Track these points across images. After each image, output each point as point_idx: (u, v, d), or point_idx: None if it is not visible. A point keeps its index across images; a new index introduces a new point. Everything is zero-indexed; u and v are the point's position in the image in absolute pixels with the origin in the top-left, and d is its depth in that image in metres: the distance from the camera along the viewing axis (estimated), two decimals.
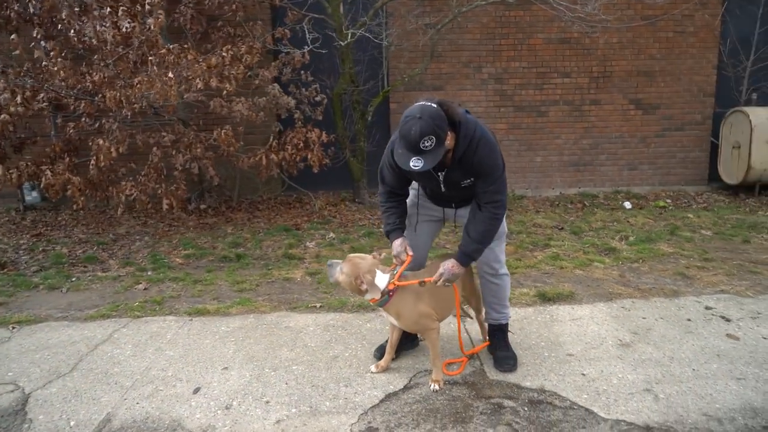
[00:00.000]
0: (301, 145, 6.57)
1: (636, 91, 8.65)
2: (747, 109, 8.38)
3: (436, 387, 2.67)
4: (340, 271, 2.65)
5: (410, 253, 2.75)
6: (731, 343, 3.11)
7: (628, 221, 6.49)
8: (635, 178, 8.84)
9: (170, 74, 4.72)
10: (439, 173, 2.66)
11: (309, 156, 6.54)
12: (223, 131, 5.77)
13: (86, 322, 3.68)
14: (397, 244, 2.78)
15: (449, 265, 2.65)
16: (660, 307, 3.69)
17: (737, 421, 2.36)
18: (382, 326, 3.47)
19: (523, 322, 3.48)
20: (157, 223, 6.83)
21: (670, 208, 7.55)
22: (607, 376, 2.76)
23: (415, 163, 2.38)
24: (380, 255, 2.78)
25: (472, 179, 2.61)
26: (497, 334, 2.93)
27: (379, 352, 2.99)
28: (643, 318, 3.51)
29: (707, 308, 3.66)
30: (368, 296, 2.66)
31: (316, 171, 6.73)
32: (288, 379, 2.81)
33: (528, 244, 5.41)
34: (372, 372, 2.85)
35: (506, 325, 2.97)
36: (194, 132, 6.14)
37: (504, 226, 2.81)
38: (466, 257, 2.67)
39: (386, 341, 3.07)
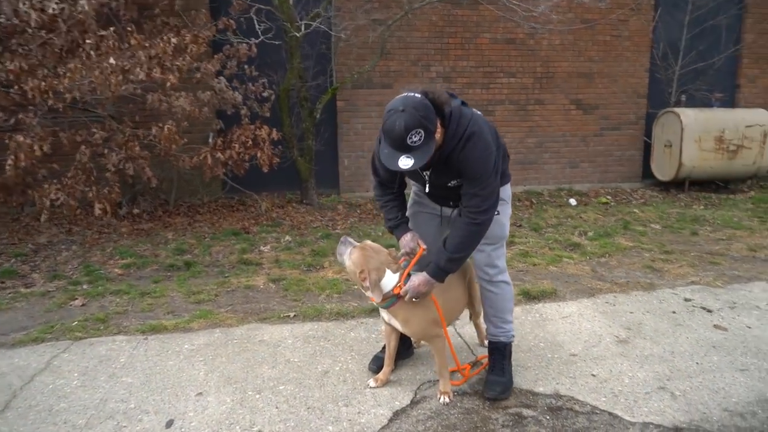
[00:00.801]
0: (250, 143, 6.13)
1: (576, 91, 8.88)
2: (678, 109, 8.85)
3: (446, 399, 2.43)
4: (349, 255, 2.35)
5: (423, 246, 2.48)
6: (721, 334, 3.11)
7: (580, 217, 6.57)
8: (576, 176, 9.07)
9: (111, 60, 4.16)
10: (425, 171, 2.42)
11: (258, 155, 6.11)
12: (165, 127, 5.22)
13: (15, 348, 3.11)
14: (407, 239, 2.51)
15: (416, 282, 2.34)
16: (642, 301, 3.66)
17: (759, 414, 2.30)
18: (368, 334, 3.18)
19: (515, 322, 3.30)
20: (84, 230, 6.12)
21: (612, 204, 7.78)
22: (618, 375, 2.64)
23: (404, 162, 2.12)
24: (398, 257, 2.48)
25: (458, 180, 2.36)
26: (495, 354, 2.59)
27: (375, 364, 2.70)
28: (631, 313, 3.46)
29: (686, 300, 3.67)
30: (368, 294, 2.37)
31: (266, 171, 6.30)
32: (277, 401, 2.46)
33: None
34: (371, 387, 2.56)
35: (507, 345, 2.60)
36: (130, 129, 5.53)
37: (505, 229, 2.59)
38: (437, 270, 2.33)
39: (380, 351, 2.79)
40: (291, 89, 7.22)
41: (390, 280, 2.36)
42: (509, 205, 2.61)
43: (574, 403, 2.40)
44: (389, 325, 2.54)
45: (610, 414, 2.31)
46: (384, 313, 2.44)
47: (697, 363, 2.76)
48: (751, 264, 4.55)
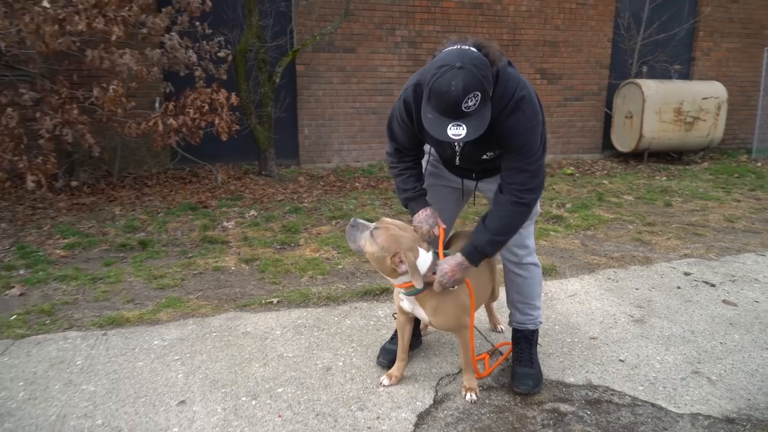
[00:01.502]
0: (206, 108, 5.55)
1: (542, 60, 8.71)
2: (639, 81, 8.86)
3: (473, 397, 2.15)
4: (371, 239, 1.95)
5: (442, 225, 2.15)
6: (733, 310, 2.99)
7: (552, 188, 6.44)
8: None
9: (45, 3, 3.49)
10: (457, 143, 2.08)
11: (216, 121, 5.54)
12: (111, 88, 4.58)
13: None
14: (424, 216, 2.16)
15: (448, 268, 2.02)
16: (643, 276, 3.52)
17: None
18: (365, 321, 2.85)
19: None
20: (14, 205, 5.40)
21: (578, 175, 7.73)
22: (646, 360, 2.44)
23: (456, 132, 1.77)
24: (424, 231, 2.13)
25: (496, 152, 2.04)
26: (521, 343, 2.36)
27: (386, 358, 2.38)
28: (636, 289, 3.29)
29: (686, 274, 3.56)
30: (400, 281, 2.01)
31: (224, 139, 5.76)
32: (279, 408, 2.09)
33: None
34: (384, 385, 2.24)
35: (534, 332, 2.37)
36: (67, 89, 4.83)
37: (538, 204, 2.28)
38: (476, 253, 2.04)
39: (389, 342, 2.47)
40: (249, 50, 6.61)
41: (424, 260, 2.02)
42: None
43: (612, 394, 2.18)
44: (405, 314, 2.21)
45: (653, 405, 2.10)
46: (405, 301, 2.10)
47: (720, 343, 2.61)
48: (733, 235, 4.52)
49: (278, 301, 3.09)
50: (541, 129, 1.97)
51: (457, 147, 2.07)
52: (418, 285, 1.97)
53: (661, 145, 9.05)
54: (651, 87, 8.74)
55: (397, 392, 2.19)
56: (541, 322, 2.39)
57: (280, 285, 3.38)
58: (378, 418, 2.02)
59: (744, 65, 10.27)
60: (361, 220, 2.04)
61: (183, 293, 3.26)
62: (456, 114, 1.75)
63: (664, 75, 9.49)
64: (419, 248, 2.01)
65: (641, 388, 2.22)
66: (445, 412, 2.07)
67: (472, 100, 1.73)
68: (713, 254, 3.96)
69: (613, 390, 2.21)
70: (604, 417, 2.03)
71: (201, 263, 3.77)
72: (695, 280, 3.43)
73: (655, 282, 3.41)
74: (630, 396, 2.17)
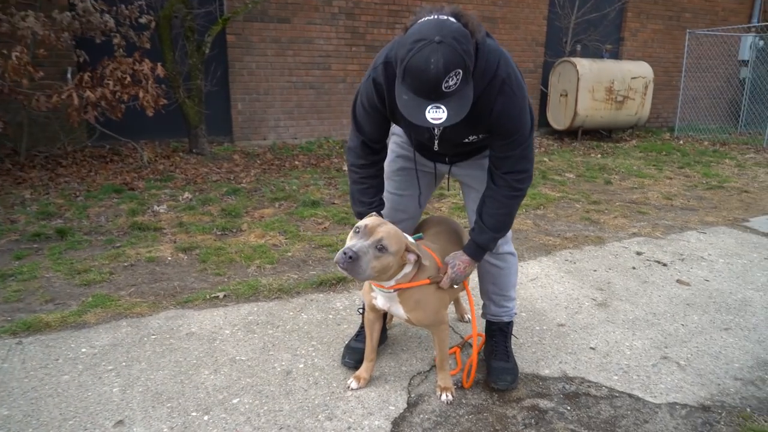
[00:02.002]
0: (128, 79, 5.01)
1: None
2: (574, 59, 9.00)
3: (449, 397, 2.00)
4: (379, 253, 1.66)
5: (409, 239, 1.96)
6: (688, 290, 3.03)
7: None
8: None
9: None
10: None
11: (141, 95, 5.03)
12: (13, 55, 3.99)
13: None
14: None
15: (461, 264, 1.94)
16: (598, 257, 3.52)
17: (767, 379, 2.18)
18: (323, 315, 2.63)
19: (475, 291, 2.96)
20: None
21: None
22: (616, 346, 2.40)
23: (436, 116, 1.56)
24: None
25: (481, 135, 1.86)
26: (496, 336, 2.24)
27: (352, 358, 2.18)
28: (594, 271, 3.28)
29: (638, 253, 3.59)
30: (400, 274, 1.79)
31: (151, 114, 5.25)
32: (236, 423, 1.85)
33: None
34: (353, 389, 2.04)
35: (509, 324, 2.25)
36: None
37: None
38: (479, 250, 1.95)
39: (354, 339, 2.28)
40: (174, 16, 6.05)
41: (412, 242, 1.84)
42: None
43: (589, 386, 2.11)
44: (376, 312, 2.01)
45: (630, 396, 2.05)
46: (380, 298, 1.90)
47: (682, 325, 2.61)
48: (673, 213, 4.66)
49: (224, 296, 2.81)
50: (528, 103, 1.81)
51: (436, 130, 1.86)
52: (427, 262, 1.81)
53: (594, 123, 9.31)
54: (585, 66, 8.92)
55: (367, 396, 2.00)
56: (515, 313, 2.27)
57: (225, 276, 3.08)
58: (349, 428, 1.83)
59: (667, 47, 10.72)
60: (353, 248, 1.63)
61: (113, 289, 2.89)
62: (435, 94, 1.54)
63: (596, 54, 9.72)
64: (405, 235, 1.82)
65: (616, 377, 2.17)
66: (422, 416, 1.91)
67: (453, 79, 1.52)
68: (659, 233, 4.04)
69: (590, 381, 2.14)
70: (585, 412, 1.95)
71: (131, 253, 3.38)
72: (648, 260, 3.47)
73: (610, 263, 3.41)
74: (606, 387, 2.10)
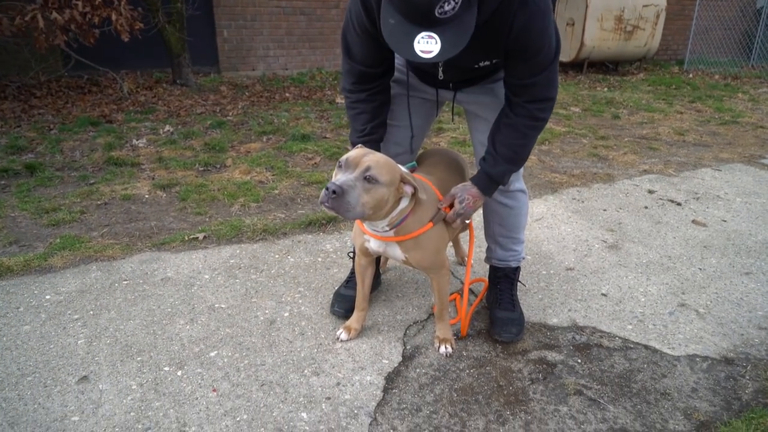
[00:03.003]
0: (98, 0, 4.56)
1: None
2: None
3: (449, 349, 1.82)
4: (369, 185, 1.42)
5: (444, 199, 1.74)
6: (704, 231, 2.82)
7: None
8: None
9: None
10: None
11: (113, 17, 4.59)
12: None
13: None
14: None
15: (470, 198, 1.68)
16: (608, 195, 3.29)
17: None
18: (312, 258, 2.42)
19: (478, 231, 2.75)
20: None
21: None
22: (629, 292, 2.21)
23: (426, 48, 1.30)
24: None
25: (496, 60, 1.58)
26: (501, 283, 2.02)
27: (342, 306, 1.99)
28: (604, 210, 3.06)
29: (650, 192, 3.36)
30: (396, 212, 1.57)
31: (126, 39, 4.83)
32: (213, 378, 1.67)
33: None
34: (342, 340, 1.86)
35: (516, 270, 2.04)
36: None
37: None
38: (490, 183, 1.70)
39: (343, 285, 2.08)
40: None
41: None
42: None
43: (601, 336, 1.93)
44: (368, 256, 1.80)
45: (646, 348, 1.87)
46: (373, 240, 1.67)
47: (699, 269, 2.42)
48: (686, 149, 4.39)
49: (204, 237, 2.59)
50: (553, 21, 1.51)
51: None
52: (423, 196, 1.58)
53: (600, 55, 8.83)
54: None
55: (358, 348, 1.82)
56: (524, 258, 2.07)
57: (206, 216, 2.85)
58: (338, 384, 1.66)
59: None
60: (338, 182, 1.40)
61: (83, 230, 2.66)
62: (427, 21, 1.27)
63: None
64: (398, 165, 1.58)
65: (630, 327, 1.99)
66: (418, 370, 1.73)
67: (449, 3, 1.23)
68: (672, 170, 3.80)
69: (602, 331, 1.96)
70: (597, 365, 1.78)
71: (106, 191, 3.13)
72: (660, 199, 3.24)
73: (621, 201, 3.18)
74: (620, 337, 1.92)
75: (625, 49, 8.93)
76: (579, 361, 1.80)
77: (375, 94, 1.78)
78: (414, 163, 1.81)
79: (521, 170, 1.91)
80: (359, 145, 1.66)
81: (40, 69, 5.80)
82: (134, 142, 4.09)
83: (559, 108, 5.79)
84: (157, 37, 5.92)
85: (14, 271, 2.24)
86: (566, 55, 8.81)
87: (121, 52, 6.13)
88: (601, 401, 1.62)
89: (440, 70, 1.67)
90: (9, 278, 2.20)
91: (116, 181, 3.29)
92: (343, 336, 1.85)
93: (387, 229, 1.60)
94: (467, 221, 1.76)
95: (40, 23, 4.30)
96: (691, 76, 8.94)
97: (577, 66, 9.08)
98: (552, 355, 1.83)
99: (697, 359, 1.82)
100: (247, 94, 6.21)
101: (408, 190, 1.54)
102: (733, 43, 10.21)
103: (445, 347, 1.82)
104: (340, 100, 5.85)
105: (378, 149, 1.84)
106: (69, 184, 3.27)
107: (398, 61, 1.84)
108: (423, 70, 1.78)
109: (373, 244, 1.68)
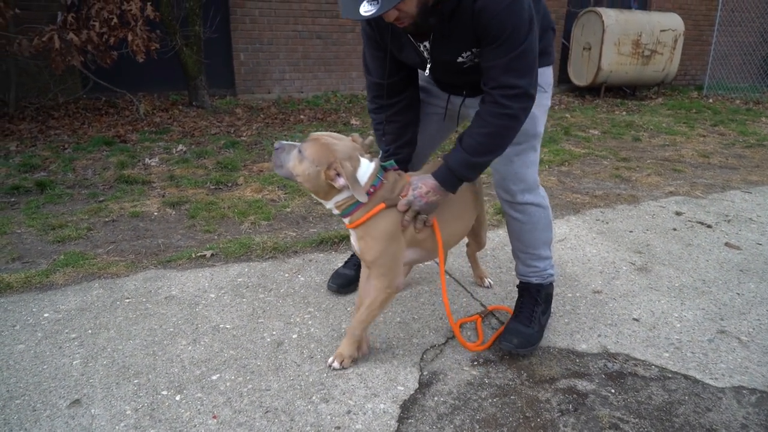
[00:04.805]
0: (115, 20, 4.59)
1: None
2: (600, 9, 8.38)
3: (336, 364, 1.70)
4: (299, 156, 1.55)
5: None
6: (739, 254, 2.66)
7: None
8: None
9: None
10: (424, 43, 1.60)
11: (130, 38, 4.62)
12: None
13: None
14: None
15: (423, 188, 1.61)
16: (633, 216, 3.14)
17: None
18: (323, 278, 2.31)
19: (506, 249, 2.62)
20: None
21: None
22: (664, 318, 2.05)
23: (369, 8, 1.34)
24: (364, 140, 1.69)
25: (473, 50, 1.56)
26: (523, 297, 1.92)
27: (335, 282, 2.14)
28: (630, 232, 2.91)
29: (678, 214, 3.21)
30: (337, 198, 1.59)
31: (141, 60, 4.85)
32: (213, 404, 1.54)
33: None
34: (335, 368, 1.72)
35: (539, 288, 1.91)
36: None
37: (538, 124, 1.77)
38: (450, 176, 1.62)
39: (342, 265, 2.02)
40: None
41: (366, 169, 1.58)
42: (548, 95, 1.79)
43: (635, 365, 1.77)
44: (365, 264, 1.72)
45: (686, 378, 1.71)
46: (351, 235, 1.68)
47: (737, 294, 2.26)
48: (712, 171, 4.24)
49: (212, 255, 2.49)
50: (529, 7, 1.44)
51: (423, 50, 1.61)
52: (360, 197, 1.53)
53: (618, 79, 8.74)
54: (611, 16, 8.31)
55: (371, 374, 1.69)
56: (552, 275, 1.93)
57: (215, 234, 2.76)
58: (349, 412, 1.52)
59: None
60: (287, 141, 1.62)
61: (89, 247, 2.58)
62: None
63: (624, 4, 9.07)
64: (360, 157, 1.58)
65: (666, 354, 1.83)
66: (436, 398, 1.59)
67: None
68: (699, 192, 3.64)
69: (636, 359, 1.80)
70: (633, 396, 1.62)
71: (115, 208, 3.06)
72: (689, 221, 3.09)
73: (647, 223, 3.03)
74: (657, 366, 1.77)
75: (642, 73, 8.84)
76: (612, 391, 1.65)
77: (396, 115, 1.82)
78: (392, 161, 1.72)
79: (533, 182, 1.80)
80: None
81: (58, 91, 5.86)
82: (147, 161, 4.05)
83: (577, 130, 5.68)
84: (174, 59, 5.96)
85: (14, 287, 2.16)
86: (582, 80, 8.74)
87: (139, 75, 6.19)
88: None
89: (428, 66, 1.66)
90: (8, 295, 2.11)
91: (126, 198, 3.23)
92: (335, 365, 1.71)
93: (337, 212, 1.62)
94: (425, 220, 1.64)
95: (56, 44, 4.33)
96: (711, 100, 8.80)
97: (594, 90, 8.99)
98: (582, 384, 1.67)
99: (744, 391, 1.66)
100: (262, 116, 6.20)
101: (339, 182, 1.53)
102: (754, 68, 10.08)
103: (336, 361, 1.69)
104: (355, 121, 5.80)
105: (405, 170, 1.86)
106: (78, 201, 3.21)
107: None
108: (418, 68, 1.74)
109: (352, 239, 1.67)
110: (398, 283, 1.65)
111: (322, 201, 1.63)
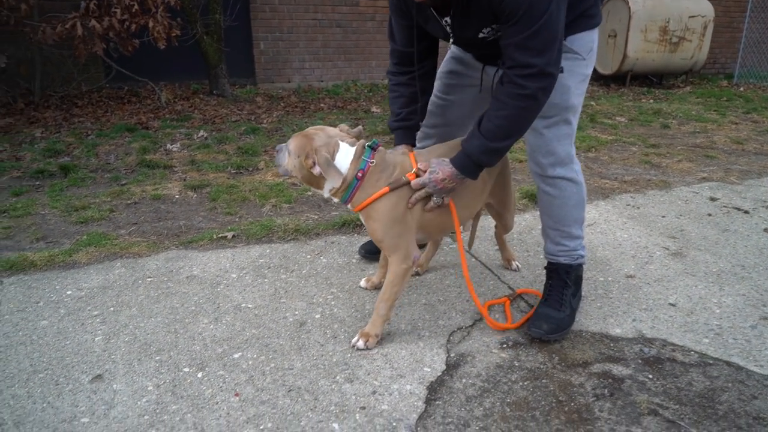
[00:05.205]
0: (136, 7, 4.58)
1: None
2: None
3: (360, 343, 1.65)
4: (287, 152, 1.62)
5: (419, 166, 1.63)
6: None
7: None
8: None
9: None
10: (445, 18, 1.55)
11: (151, 24, 4.61)
12: None
13: None
14: (398, 152, 1.73)
15: (439, 173, 1.57)
16: (665, 202, 3.03)
17: None
18: (345, 259, 2.26)
19: (533, 233, 2.54)
20: None
21: None
22: (702, 303, 1.96)
23: None
24: (358, 132, 1.69)
25: (493, 27, 1.51)
26: (553, 279, 1.84)
27: (364, 248, 2.19)
28: (663, 217, 2.80)
29: (712, 199, 3.09)
30: (327, 186, 1.59)
31: (162, 47, 4.84)
32: (235, 382, 1.51)
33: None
34: (361, 287, 1.89)
35: (569, 268, 1.82)
36: None
37: (570, 95, 1.67)
38: (468, 162, 1.58)
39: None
40: None
41: (345, 153, 1.58)
42: (586, 63, 1.68)
43: (674, 350, 1.69)
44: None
45: (729, 364, 1.62)
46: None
47: None
48: (746, 158, 4.08)
49: (233, 236, 2.46)
50: None
51: (446, 24, 1.58)
52: (332, 180, 1.54)
53: (644, 67, 8.51)
54: (638, 2, 8.08)
55: (396, 354, 1.63)
56: (582, 257, 1.85)
57: (236, 216, 2.73)
58: (374, 393, 1.47)
59: None
60: (284, 144, 1.66)
61: (111, 228, 2.57)
62: None
63: None
64: (340, 142, 1.58)
65: (706, 340, 1.74)
66: (464, 380, 1.53)
67: None
68: (734, 178, 3.51)
69: (673, 344, 1.72)
70: (672, 382, 1.54)
71: (137, 191, 3.05)
72: (724, 206, 2.97)
73: (680, 209, 2.92)
74: (696, 352, 1.68)
75: (670, 61, 8.60)
76: (650, 376, 1.57)
77: (414, 79, 1.80)
78: (375, 141, 1.67)
79: (566, 155, 1.73)
80: (396, 147, 1.78)
81: (81, 80, 5.90)
82: (168, 146, 4.04)
83: (603, 118, 5.54)
84: (195, 49, 5.95)
85: (38, 266, 2.15)
86: (608, 68, 8.54)
87: (160, 64, 6.20)
88: (682, 423, 1.38)
89: (451, 39, 1.64)
90: (32, 273, 2.11)
91: (147, 182, 3.22)
92: (360, 344, 1.65)
93: (336, 200, 1.64)
94: (440, 201, 1.62)
95: (79, 30, 4.34)
96: (742, 89, 8.53)
97: (619, 79, 8.78)
98: (618, 369, 1.60)
99: None
100: (282, 104, 6.17)
101: (316, 169, 1.54)
102: None
103: (361, 341, 1.64)
104: (376, 109, 5.74)
105: (413, 136, 1.87)
106: (101, 184, 3.22)
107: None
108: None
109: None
110: (413, 257, 1.61)
111: (320, 192, 1.64)
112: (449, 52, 1.92)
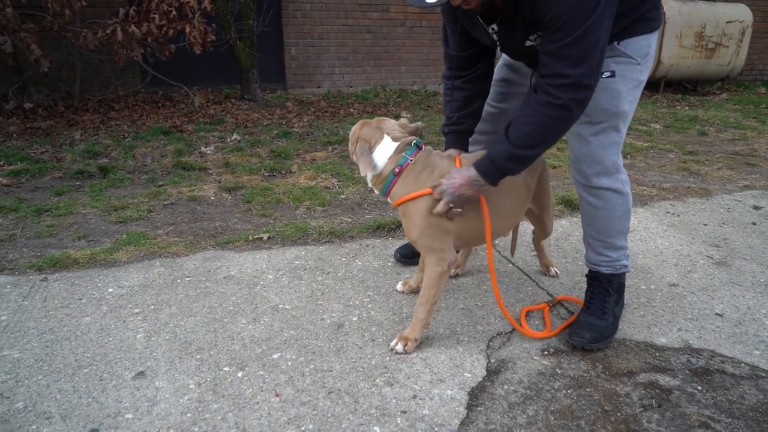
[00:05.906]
0: (173, 13, 4.68)
1: None
2: None
3: (399, 347, 1.63)
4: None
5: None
6: None
7: None
8: None
9: None
10: (492, 26, 1.54)
11: (187, 30, 4.70)
12: None
13: None
14: (446, 154, 1.75)
15: (458, 179, 1.54)
16: (707, 210, 2.95)
17: None
18: (381, 263, 2.25)
19: (570, 239, 2.50)
20: None
21: None
22: (750, 314, 1.89)
23: None
24: (415, 127, 1.72)
25: (538, 34, 1.49)
26: (594, 287, 1.79)
27: (400, 251, 2.20)
28: (704, 225, 2.73)
29: (756, 208, 2.99)
30: (368, 175, 1.63)
31: (198, 52, 4.93)
32: (276, 382, 1.51)
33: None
34: (398, 291, 1.93)
35: (611, 278, 1.78)
36: None
37: (621, 101, 1.59)
38: (491, 167, 1.53)
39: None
40: None
41: (385, 146, 1.61)
42: (641, 68, 1.62)
43: (723, 361, 1.63)
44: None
45: None
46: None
47: None
48: None
49: (269, 237, 2.47)
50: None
51: (492, 32, 1.57)
52: (362, 170, 1.59)
53: (678, 74, 8.34)
54: (673, 7, 7.93)
55: (435, 359, 1.62)
56: (625, 266, 1.81)
57: (271, 218, 2.75)
58: (415, 397, 1.45)
59: None
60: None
61: (149, 227, 2.62)
62: None
63: None
64: (386, 135, 1.62)
65: (757, 352, 1.68)
66: (506, 387, 1.50)
67: None
68: None
69: (722, 355, 1.66)
70: (723, 395, 1.49)
71: (173, 192, 3.10)
72: None
73: (723, 217, 2.84)
74: (747, 364, 1.62)
75: (706, 67, 8.41)
76: (699, 388, 1.52)
77: (467, 82, 1.79)
78: (418, 139, 1.68)
79: (612, 165, 1.67)
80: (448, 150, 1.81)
81: (119, 84, 6.05)
82: (202, 149, 4.11)
83: (637, 124, 5.43)
84: (227, 54, 6.06)
85: (80, 263, 2.20)
86: None
87: (194, 69, 6.32)
88: None
89: (498, 48, 1.66)
90: (75, 270, 2.15)
91: (183, 183, 3.27)
92: (399, 348, 1.64)
93: (376, 192, 1.66)
94: (453, 208, 1.57)
95: (119, 36, 4.45)
96: None
97: (653, 85, 8.61)
98: (665, 380, 1.55)
99: None
100: (312, 109, 6.22)
101: (354, 157, 1.64)
102: None
103: (399, 344, 1.62)
104: (405, 115, 5.74)
105: (464, 141, 1.85)
106: (138, 185, 3.28)
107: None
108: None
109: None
110: (449, 260, 1.59)
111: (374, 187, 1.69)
112: (501, 59, 1.90)
